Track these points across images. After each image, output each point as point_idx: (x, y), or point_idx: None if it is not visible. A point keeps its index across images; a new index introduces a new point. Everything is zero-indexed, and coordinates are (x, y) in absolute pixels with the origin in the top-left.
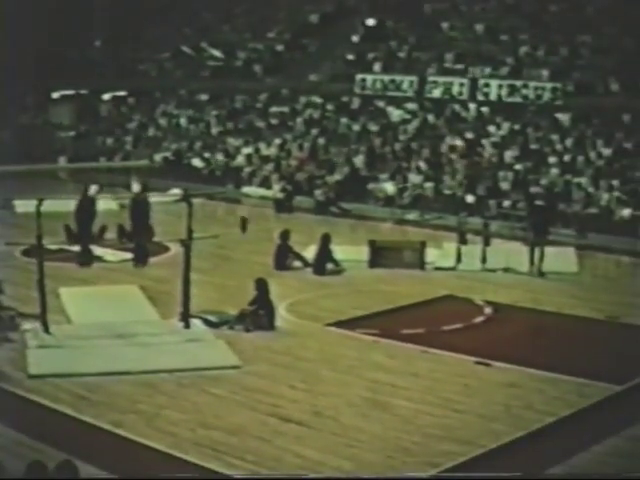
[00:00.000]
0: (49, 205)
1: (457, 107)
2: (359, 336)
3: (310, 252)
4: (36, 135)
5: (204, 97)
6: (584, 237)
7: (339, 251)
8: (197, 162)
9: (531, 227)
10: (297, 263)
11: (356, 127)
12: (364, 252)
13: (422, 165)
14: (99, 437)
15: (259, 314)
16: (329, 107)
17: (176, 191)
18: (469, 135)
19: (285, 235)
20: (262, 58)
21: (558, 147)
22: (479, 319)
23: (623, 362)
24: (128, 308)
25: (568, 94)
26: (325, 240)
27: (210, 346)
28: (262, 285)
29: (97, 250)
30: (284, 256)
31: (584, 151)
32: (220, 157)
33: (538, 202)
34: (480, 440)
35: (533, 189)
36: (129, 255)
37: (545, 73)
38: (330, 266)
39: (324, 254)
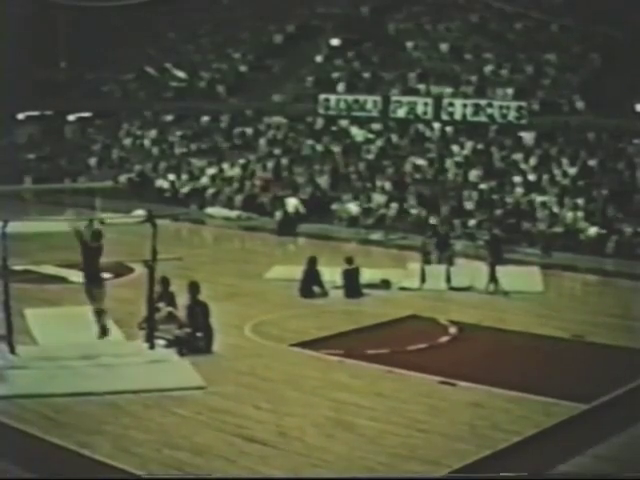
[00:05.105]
0: (16, 227)
1: (421, 127)
2: (324, 356)
3: (274, 272)
4: (1, 156)
5: (169, 118)
6: (549, 256)
7: (298, 272)
8: (161, 183)
9: (489, 251)
10: (316, 289)
11: (320, 147)
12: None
13: (386, 185)
14: (65, 458)
15: (196, 337)
16: (293, 127)
17: (140, 212)
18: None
19: (313, 261)
20: (226, 79)
21: (523, 166)
22: (444, 339)
23: (589, 381)
24: (93, 329)
25: (533, 113)
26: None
27: (175, 367)
28: (194, 288)
29: (62, 271)
30: (311, 282)
31: (549, 170)
32: (184, 178)
33: (496, 231)
34: (446, 460)
35: (497, 212)
36: None
37: (510, 92)
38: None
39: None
